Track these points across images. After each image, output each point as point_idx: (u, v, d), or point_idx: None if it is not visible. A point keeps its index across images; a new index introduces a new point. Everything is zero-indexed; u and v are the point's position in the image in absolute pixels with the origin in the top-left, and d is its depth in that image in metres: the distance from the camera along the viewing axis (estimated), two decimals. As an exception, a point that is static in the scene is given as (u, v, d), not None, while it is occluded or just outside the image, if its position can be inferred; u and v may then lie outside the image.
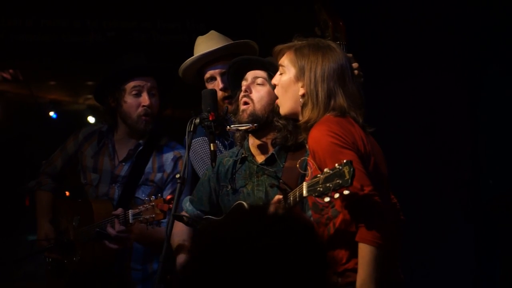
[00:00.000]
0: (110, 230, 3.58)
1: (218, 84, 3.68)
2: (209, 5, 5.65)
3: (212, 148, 3.12)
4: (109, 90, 3.89)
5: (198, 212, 3.43)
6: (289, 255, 1.56)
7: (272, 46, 3.16)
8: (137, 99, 3.81)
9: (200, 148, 3.70)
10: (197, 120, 3.13)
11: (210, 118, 3.11)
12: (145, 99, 3.81)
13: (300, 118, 2.94)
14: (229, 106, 3.50)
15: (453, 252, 5.43)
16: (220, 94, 3.61)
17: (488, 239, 5.54)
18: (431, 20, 5.52)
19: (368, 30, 5.24)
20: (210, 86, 3.71)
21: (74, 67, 6.22)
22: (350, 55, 3.34)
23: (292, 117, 3.02)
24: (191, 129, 3.13)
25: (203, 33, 3.99)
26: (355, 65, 3.42)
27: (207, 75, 3.75)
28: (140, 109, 3.81)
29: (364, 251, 2.69)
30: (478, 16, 5.51)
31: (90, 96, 6.86)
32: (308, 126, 2.88)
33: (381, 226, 2.69)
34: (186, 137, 3.14)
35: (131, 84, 3.82)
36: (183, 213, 3.45)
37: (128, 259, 3.91)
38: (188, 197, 3.50)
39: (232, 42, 3.79)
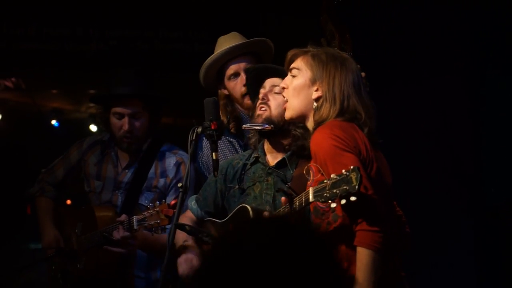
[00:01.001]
0: (115, 234, 3.59)
1: (242, 80, 3.71)
2: (211, 14, 5.68)
3: (214, 157, 3.09)
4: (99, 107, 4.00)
5: (202, 212, 3.45)
6: (301, 264, 1.55)
7: (276, 52, 3.20)
8: (119, 122, 3.86)
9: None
10: (199, 129, 3.09)
11: (212, 127, 3.07)
12: (125, 124, 3.85)
13: (309, 124, 2.95)
14: (248, 102, 3.57)
15: (455, 260, 5.44)
16: (243, 89, 3.68)
17: (490, 246, 5.53)
18: (434, 28, 5.56)
19: (373, 37, 5.28)
20: (233, 83, 3.76)
21: (77, 76, 6.25)
22: (358, 66, 3.37)
23: (296, 120, 3.03)
24: (193, 138, 3.09)
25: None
26: (362, 74, 3.44)
27: (230, 71, 3.79)
28: (121, 131, 3.86)
29: (362, 254, 2.69)
30: (478, 23, 5.54)
31: (92, 104, 6.68)
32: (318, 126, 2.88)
33: (380, 230, 2.67)
34: (189, 146, 3.09)
35: (114, 109, 3.87)
36: (187, 213, 3.47)
37: (131, 267, 3.90)
38: (194, 196, 3.51)
39: (258, 39, 3.85)
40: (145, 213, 3.53)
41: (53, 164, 4.11)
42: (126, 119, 3.84)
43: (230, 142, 3.75)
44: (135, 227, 3.55)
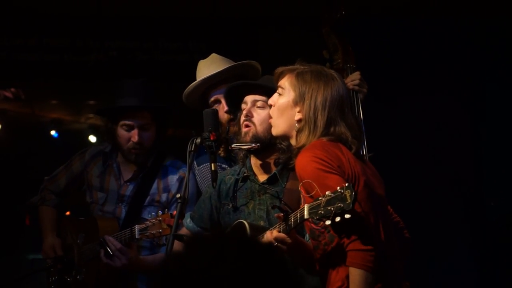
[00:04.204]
0: (111, 246, 3.59)
1: (223, 107, 3.67)
2: (210, 25, 5.73)
3: (213, 168, 3.10)
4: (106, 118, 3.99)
5: (199, 228, 3.45)
6: (251, 277, 1.57)
7: (272, 66, 3.14)
8: (128, 133, 3.84)
9: (208, 173, 3.68)
10: (198, 140, 3.11)
11: (212, 138, 3.09)
12: (134, 136, 3.82)
13: (293, 142, 2.93)
14: (231, 128, 3.54)
15: (455, 270, 5.49)
16: (225, 117, 3.64)
17: (490, 258, 5.58)
18: (435, 41, 5.66)
19: (375, 50, 5.34)
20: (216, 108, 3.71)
21: (76, 87, 6.27)
22: (358, 72, 3.41)
23: (282, 139, 3.05)
24: (192, 149, 3.11)
25: (204, 53, 4.00)
26: (357, 75, 3.50)
27: (212, 98, 3.75)
28: (130, 143, 3.83)
29: (354, 274, 2.69)
30: (478, 38, 5.65)
31: (91, 115, 7.01)
32: (299, 152, 2.88)
33: (371, 249, 2.67)
34: (188, 157, 3.11)
35: (122, 121, 3.84)
36: (184, 229, 3.48)
37: (135, 279, 3.88)
38: (189, 213, 3.50)
39: (234, 63, 3.79)
40: (147, 222, 3.53)
41: (55, 173, 4.08)
42: (136, 131, 3.82)
43: (223, 169, 3.68)
44: (136, 236, 3.55)
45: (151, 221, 3.52)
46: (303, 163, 2.79)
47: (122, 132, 3.84)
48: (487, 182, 5.66)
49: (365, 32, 5.23)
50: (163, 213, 3.52)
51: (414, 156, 5.39)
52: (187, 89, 3.82)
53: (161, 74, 5.67)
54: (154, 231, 3.50)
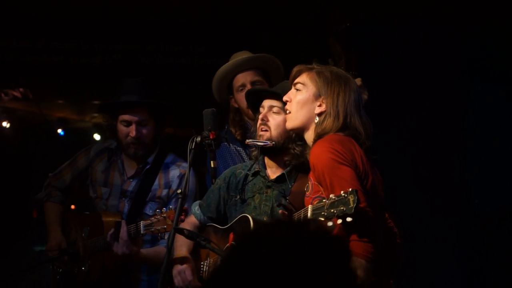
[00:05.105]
0: (124, 232, 3.62)
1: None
2: (209, 30, 5.72)
3: (212, 165, 3.14)
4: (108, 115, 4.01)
5: (205, 218, 3.47)
6: (317, 270, 1.54)
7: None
8: (126, 129, 3.87)
9: (227, 153, 3.85)
10: (199, 139, 3.13)
11: (211, 137, 3.12)
12: (132, 131, 3.86)
13: (308, 135, 2.98)
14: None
15: (444, 269, 5.46)
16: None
17: (478, 255, 5.53)
18: (427, 44, 5.66)
19: (375, 54, 5.36)
20: (240, 94, 3.81)
21: (81, 87, 6.26)
22: (359, 79, 3.44)
23: (296, 131, 3.07)
24: (193, 147, 3.13)
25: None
26: (358, 81, 3.49)
27: (238, 82, 3.88)
28: (128, 138, 3.87)
29: (355, 264, 2.63)
30: (465, 42, 5.67)
31: (96, 114, 6.93)
32: (318, 139, 2.91)
33: (371, 241, 2.68)
34: (188, 154, 3.13)
35: (121, 117, 3.88)
36: (191, 218, 3.49)
37: (138, 271, 3.92)
38: (197, 201, 3.54)
39: (264, 54, 3.94)
40: (152, 218, 3.54)
41: (60, 169, 4.11)
42: (133, 126, 3.85)
43: (238, 151, 3.81)
44: (142, 232, 3.56)
45: (156, 217, 3.52)
46: (318, 152, 2.82)
47: (121, 128, 3.88)
48: (473, 177, 5.61)
49: (366, 40, 5.23)
50: (167, 210, 3.52)
51: (402, 153, 5.36)
52: (216, 74, 3.94)
53: (162, 75, 5.64)
54: (159, 227, 3.51)
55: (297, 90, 3.01)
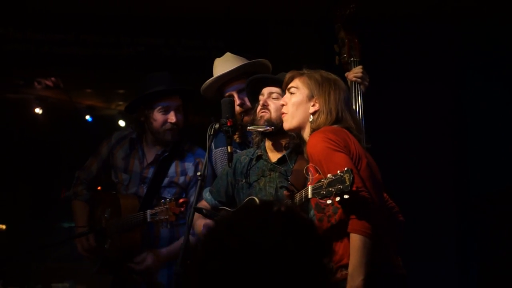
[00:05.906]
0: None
1: (236, 101, 3.73)
2: (226, 25, 5.80)
3: (229, 150, 3.18)
4: (139, 107, 4.00)
5: (216, 202, 3.55)
6: (292, 248, 1.53)
7: (282, 62, 3.32)
8: (164, 116, 3.89)
9: (222, 155, 3.84)
10: (217, 125, 3.20)
11: (228, 124, 3.18)
12: (172, 117, 3.89)
13: (305, 132, 3.06)
14: (246, 117, 3.66)
15: (440, 254, 5.49)
16: (237, 109, 3.69)
17: (474, 237, 5.59)
18: (424, 39, 5.72)
19: (375, 49, 5.22)
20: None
21: (108, 77, 6.34)
22: (360, 66, 3.57)
23: (294, 131, 3.16)
24: (212, 133, 3.20)
25: (221, 49, 4.12)
26: (359, 68, 3.61)
27: (226, 94, 3.81)
28: (168, 124, 3.89)
29: (355, 240, 2.75)
30: (461, 36, 5.74)
31: (121, 102, 7.06)
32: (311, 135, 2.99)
33: (369, 218, 2.74)
34: (207, 139, 3.20)
35: (159, 104, 3.90)
36: (203, 202, 3.57)
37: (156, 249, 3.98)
38: (208, 188, 3.61)
39: (246, 62, 3.84)
40: (157, 208, 3.63)
41: (86, 163, 4.18)
42: (173, 112, 3.89)
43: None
44: (148, 220, 3.66)
45: (161, 207, 3.60)
46: (314, 142, 2.89)
47: (157, 116, 3.89)
48: (470, 164, 5.61)
49: (367, 34, 4.99)
50: (170, 201, 3.59)
51: (398, 143, 5.36)
52: (204, 84, 3.87)
53: (182, 67, 5.70)
54: (162, 217, 3.58)
55: (291, 93, 3.10)
